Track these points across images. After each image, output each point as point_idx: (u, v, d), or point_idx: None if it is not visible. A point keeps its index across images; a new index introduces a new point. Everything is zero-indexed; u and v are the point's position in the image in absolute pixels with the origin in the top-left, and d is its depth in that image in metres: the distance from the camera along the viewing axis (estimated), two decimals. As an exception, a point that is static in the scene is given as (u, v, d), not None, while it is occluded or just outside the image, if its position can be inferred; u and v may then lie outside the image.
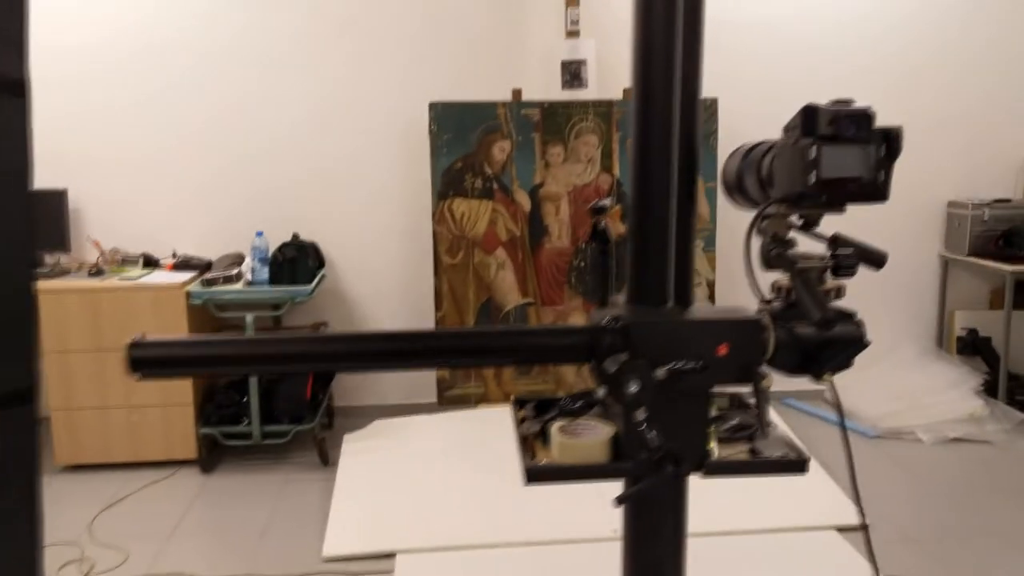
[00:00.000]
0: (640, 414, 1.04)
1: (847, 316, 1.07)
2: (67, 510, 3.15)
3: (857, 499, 1.23)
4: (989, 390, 4.04)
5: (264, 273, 3.55)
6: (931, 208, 4.29)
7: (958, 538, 2.89)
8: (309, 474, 3.45)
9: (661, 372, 1.03)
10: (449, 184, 3.61)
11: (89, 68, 3.81)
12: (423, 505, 3.04)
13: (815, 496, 3.13)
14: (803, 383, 4.33)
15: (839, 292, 1.09)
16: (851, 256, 1.07)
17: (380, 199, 3.98)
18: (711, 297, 3.84)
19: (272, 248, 3.63)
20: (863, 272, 4.27)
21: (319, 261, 3.90)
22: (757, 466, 1.15)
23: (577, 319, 3.74)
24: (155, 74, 3.84)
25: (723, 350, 1.06)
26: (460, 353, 1.01)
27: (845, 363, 1.06)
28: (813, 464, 3.36)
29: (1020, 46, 4.18)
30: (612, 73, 3.91)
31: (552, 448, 1.19)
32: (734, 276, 4.17)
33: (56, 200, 3.69)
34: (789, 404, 4.28)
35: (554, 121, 3.61)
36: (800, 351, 1.07)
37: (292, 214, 3.96)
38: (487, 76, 3.90)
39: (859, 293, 4.22)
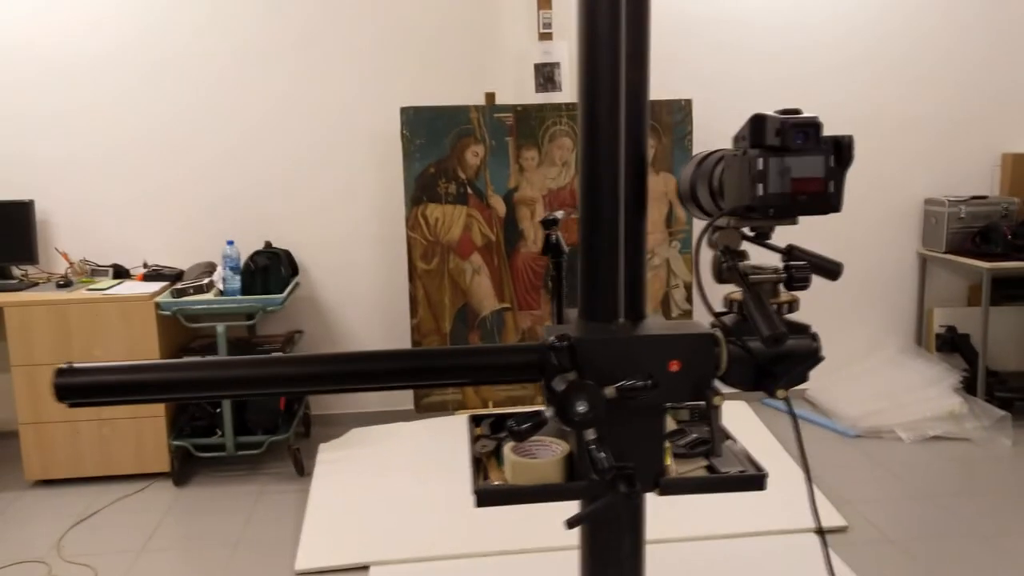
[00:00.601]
0: (590, 434, 1.01)
1: (802, 329, 1.04)
2: (36, 526, 3.09)
3: (813, 504, 1.20)
4: (968, 387, 4.04)
5: (236, 282, 3.49)
6: (908, 206, 4.29)
7: (937, 538, 2.88)
8: (284, 485, 3.41)
9: (610, 390, 1.00)
10: (422, 189, 3.57)
11: (51, 75, 3.75)
12: (398, 516, 3.00)
13: (794, 499, 3.11)
14: (783, 383, 4.35)
15: (791, 305, 1.06)
16: (805, 268, 1.05)
17: (353, 206, 3.93)
18: (688, 299, 3.82)
19: (244, 256, 3.58)
20: (845, 271, 4.29)
21: (293, 269, 3.85)
22: (714, 483, 1.12)
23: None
24: (123, 80, 3.78)
25: (675, 366, 1.04)
26: (405, 375, 0.97)
27: (800, 378, 1.03)
28: (791, 467, 3.35)
29: (995, 41, 4.18)
30: (586, 75, 3.89)
31: (505, 468, 1.16)
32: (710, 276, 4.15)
33: (22, 211, 3.63)
34: (768, 404, 4.26)
35: (528, 125, 3.58)
36: (754, 366, 1.05)
37: (265, 222, 3.91)
38: (459, 80, 3.86)
39: (838, 292, 4.26)
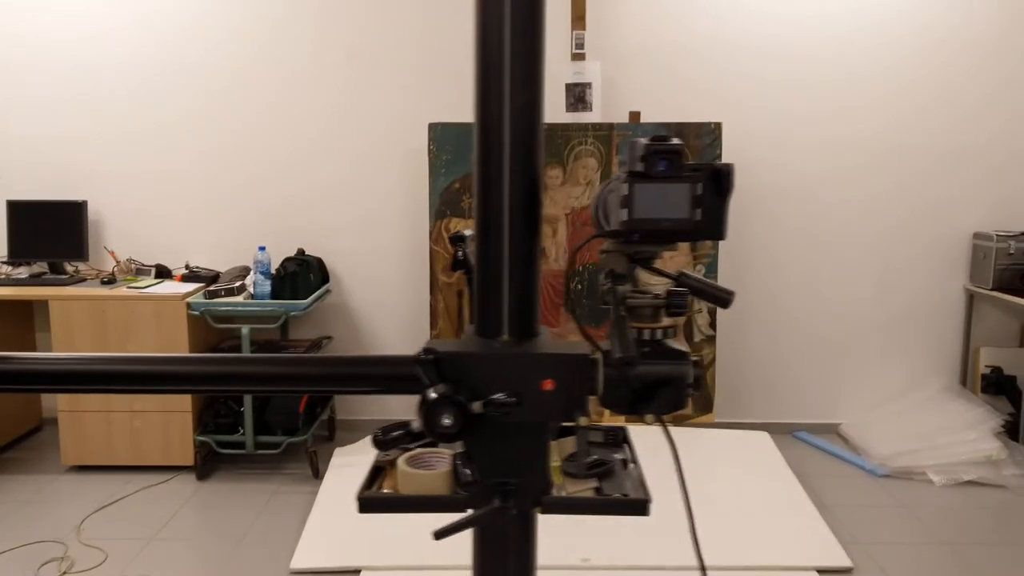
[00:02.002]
0: (457, 447, 1.03)
1: (679, 355, 1.04)
2: (64, 508, 3.27)
3: (695, 541, 1.18)
4: (1010, 432, 3.84)
5: (267, 286, 3.63)
6: (956, 239, 4.12)
7: (947, 588, 2.75)
8: (299, 486, 3.51)
9: (477, 405, 1.02)
10: (447, 204, 3.64)
11: (111, 89, 3.99)
12: (395, 522, 3.05)
13: (802, 536, 3.02)
14: (818, 416, 4.23)
15: (666, 332, 1.06)
16: (682, 295, 1.05)
17: (382, 217, 4.03)
18: (712, 325, 3.75)
19: (278, 262, 3.72)
20: (888, 304, 4.26)
21: (324, 276, 3.97)
22: (595, 505, 1.12)
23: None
24: (173, 96, 3.99)
25: (548, 385, 1.05)
26: (275, 380, 1.02)
27: (671, 404, 1.02)
28: (803, 503, 3.25)
29: (1055, 72, 4.00)
30: (617, 96, 3.90)
31: (396, 477, 1.19)
32: (737, 302, 4.08)
33: (75, 211, 3.87)
34: (799, 438, 4.15)
35: (553, 143, 3.61)
36: (632, 390, 1.05)
37: (301, 230, 4.05)
38: (493, 97, 3.92)
39: (881, 326, 4.13)
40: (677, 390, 1.03)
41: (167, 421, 3.57)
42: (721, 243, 3.84)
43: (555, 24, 3.90)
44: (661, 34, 3.93)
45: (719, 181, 1.02)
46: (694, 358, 1.09)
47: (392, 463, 1.25)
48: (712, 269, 3.72)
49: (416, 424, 1.04)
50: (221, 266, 4.05)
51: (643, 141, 0.98)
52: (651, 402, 1.04)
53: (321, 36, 3.95)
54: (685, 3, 3.92)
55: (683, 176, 0.97)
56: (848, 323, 4.18)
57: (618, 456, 1.27)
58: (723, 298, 1.11)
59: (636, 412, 1.06)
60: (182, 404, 3.56)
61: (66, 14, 3.95)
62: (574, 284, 3.69)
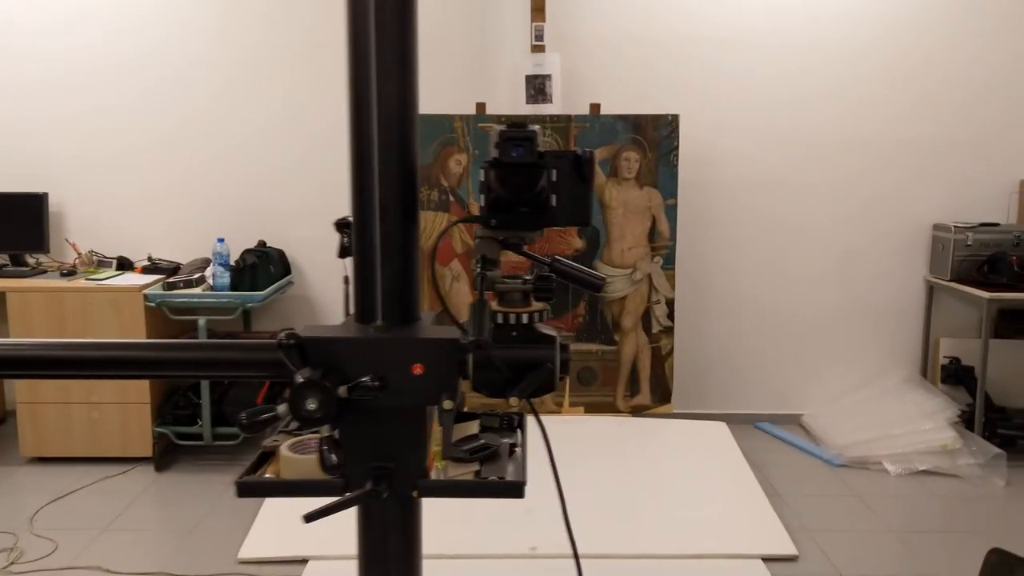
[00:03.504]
0: (324, 431, 1.04)
1: (545, 339, 1.06)
2: (20, 499, 3.28)
3: (568, 530, 1.20)
4: (967, 422, 3.87)
5: (226, 278, 3.63)
6: (916, 231, 4.15)
7: None
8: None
9: (343, 390, 1.03)
10: (405, 195, 3.64)
11: (69, 76, 3.98)
12: (346, 513, 3.05)
13: (749, 525, 3.05)
14: (780, 407, 4.25)
15: (541, 315, 1.07)
16: (548, 280, 1.06)
17: (342, 209, 4.03)
18: (670, 316, 3.78)
19: (239, 254, 3.73)
20: (851, 295, 4.28)
21: (285, 268, 3.98)
22: (471, 488, 1.14)
23: (532, 333, 3.73)
24: (137, 85, 3.99)
25: (418, 369, 1.06)
26: (137, 365, 1.03)
27: (536, 388, 1.04)
28: (754, 493, 3.28)
29: (1018, 64, 4.01)
30: (578, 88, 3.91)
31: (279, 462, 1.20)
32: (696, 293, 4.10)
33: (36, 203, 3.86)
34: (761, 428, 4.17)
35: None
36: (499, 374, 1.06)
37: (263, 222, 4.05)
38: (453, 89, 3.93)
39: (842, 318, 4.16)
40: (539, 375, 1.05)
41: (125, 413, 3.57)
42: (681, 235, 3.85)
43: (515, 16, 3.91)
44: (621, 26, 3.94)
45: (580, 167, 1.03)
46: (562, 342, 1.10)
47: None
48: (670, 261, 3.74)
49: (283, 408, 1.05)
50: (184, 258, 4.04)
51: (499, 128, 0.99)
52: (516, 385, 1.05)
53: (276, 21, 3.95)
54: (645, -5, 3.93)
55: (537, 162, 0.98)
56: (810, 314, 4.20)
57: (508, 441, 1.28)
58: (594, 283, 1.13)
59: (504, 395, 1.08)
60: (140, 395, 3.56)
61: (18, 3, 3.94)
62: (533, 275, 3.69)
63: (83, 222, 4.08)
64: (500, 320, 1.07)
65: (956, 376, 4.09)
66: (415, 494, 1.14)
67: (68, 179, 4.04)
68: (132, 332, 3.49)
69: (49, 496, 3.31)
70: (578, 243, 3.72)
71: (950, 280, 3.95)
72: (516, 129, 0.97)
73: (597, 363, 3.76)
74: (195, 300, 3.46)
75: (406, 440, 1.12)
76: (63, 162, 4.03)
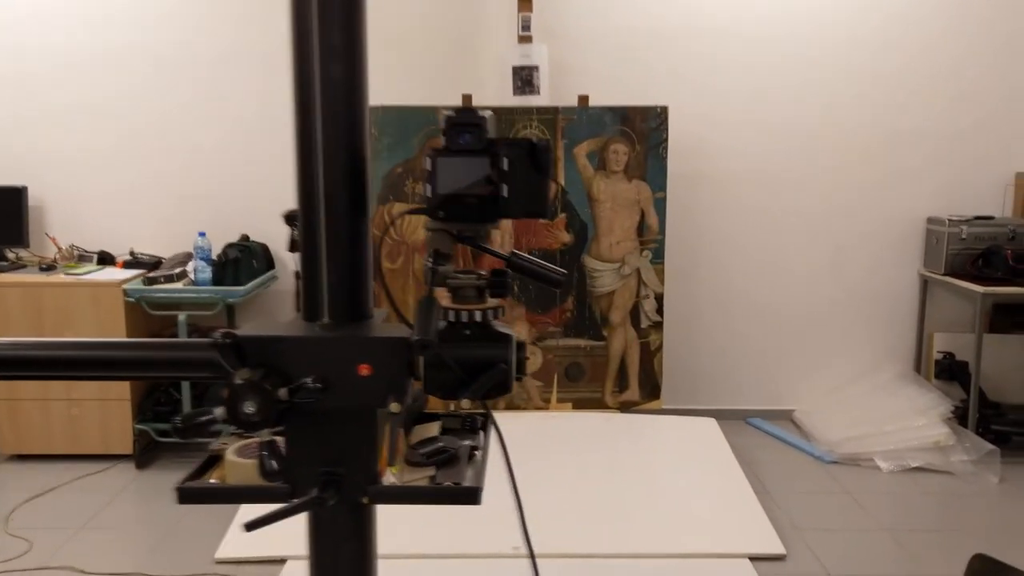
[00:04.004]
0: (264, 435, 0.99)
1: (501, 338, 1.00)
2: (-3, 498, 3.23)
3: (524, 531, 1.14)
4: (961, 418, 3.82)
5: (207, 273, 3.57)
6: (910, 224, 4.08)
7: None
8: (239, 474, 3.46)
9: (283, 392, 0.97)
10: (389, 189, 3.59)
11: (49, 69, 3.91)
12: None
13: (737, 523, 3.00)
14: (772, 402, 4.20)
15: (496, 312, 1.01)
16: (503, 275, 1.00)
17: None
18: (659, 311, 3.72)
19: (221, 249, 3.67)
20: (844, 289, 4.21)
21: (269, 262, 3.92)
22: (423, 494, 1.08)
23: (519, 328, 3.68)
24: (119, 77, 3.92)
25: (364, 370, 1.00)
26: (65, 366, 0.97)
27: (489, 389, 0.98)
28: (743, 490, 3.23)
29: (1013, 55, 3.95)
30: (566, 79, 3.84)
31: (224, 467, 1.14)
32: (685, 288, 4.04)
33: (14, 197, 3.80)
34: (752, 424, 4.12)
35: (497, 128, 3.55)
36: (452, 374, 1.01)
37: (246, 215, 3.99)
38: (439, 81, 3.86)
39: (835, 311, 4.10)
40: (491, 375, 0.99)
41: (105, 410, 3.52)
42: (670, 228, 3.79)
43: (501, 6, 3.84)
44: (609, 16, 3.87)
45: (536, 157, 0.97)
46: (519, 341, 1.04)
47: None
48: (659, 255, 3.68)
49: (220, 411, 1.00)
50: (167, 253, 3.98)
51: (446, 113, 0.93)
52: (467, 387, 0.99)
53: (258, 15, 3.88)
54: (635, -16, 3.86)
55: (488, 150, 0.92)
56: (803, 308, 4.14)
57: (468, 443, 1.23)
58: (554, 279, 1.07)
59: (456, 397, 1.02)
60: (121, 392, 3.51)
61: (3, -5, 3.87)
62: (519, 270, 3.63)
63: (64, 217, 4.01)
64: (452, 318, 1.01)
65: (950, 371, 4.04)
66: (365, 500, 1.09)
67: (49, 173, 3.97)
68: (111, 328, 3.43)
69: (27, 494, 3.25)
70: (566, 237, 3.66)
71: (944, 274, 3.89)
72: (464, 114, 0.91)
73: (585, 358, 3.71)
74: (175, 295, 3.40)
75: (356, 444, 1.07)
76: (44, 156, 3.96)
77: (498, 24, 3.85)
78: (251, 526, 1.04)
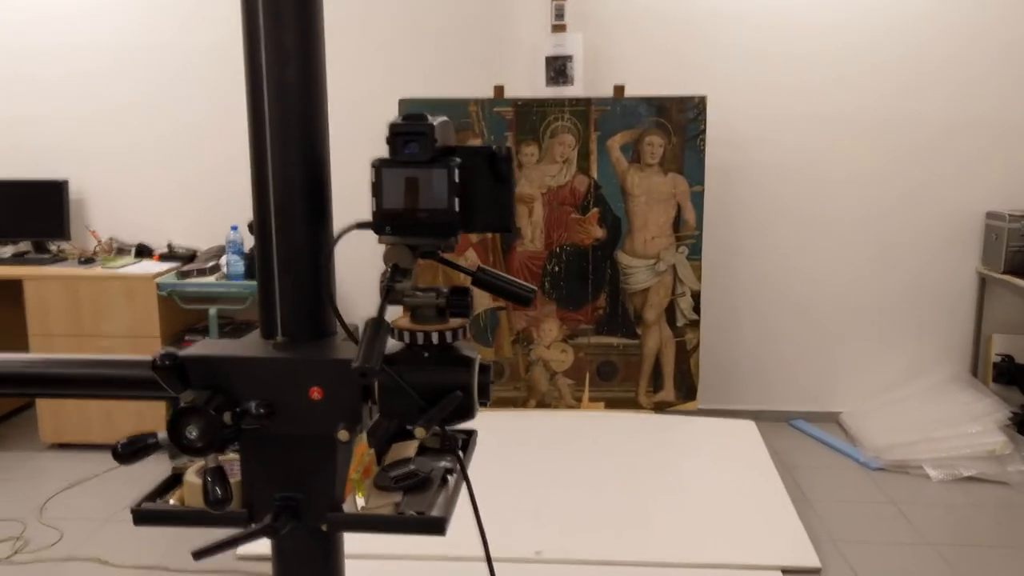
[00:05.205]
0: (210, 462, 0.93)
1: (463, 362, 0.93)
2: (35, 486, 3.29)
3: (486, 549, 1.07)
4: (1019, 425, 3.60)
5: (240, 266, 3.58)
6: (967, 218, 3.86)
7: (920, 593, 2.58)
8: (268, 468, 3.47)
9: (227, 417, 0.92)
10: (418, 182, 3.53)
11: (91, 67, 3.96)
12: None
13: (771, 532, 2.87)
14: (817, 404, 4.03)
15: (457, 333, 0.94)
16: (463, 294, 0.93)
17: (362, 198, 3.94)
18: (696, 309, 3.59)
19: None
20: (893, 287, 4.01)
21: (301, 256, 3.91)
22: (386, 523, 1.02)
23: (550, 325, 3.60)
24: (157, 73, 3.95)
25: (316, 394, 0.94)
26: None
27: (446, 416, 0.91)
28: (779, 497, 3.10)
29: (1080, 38, 3.69)
30: (601, 69, 3.72)
31: (184, 488, 1.10)
32: (723, 285, 3.90)
33: (56, 190, 3.86)
34: (796, 427, 3.96)
35: (528, 120, 3.47)
36: (411, 398, 0.94)
37: (280, 208, 3.99)
38: (471, 73, 3.79)
39: (887, 311, 3.91)
40: (448, 402, 0.92)
41: (140, 400, 3.56)
42: (708, 223, 3.66)
43: (535, -6, 3.74)
44: (647, 3, 3.73)
45: (495, 166, 0.89)
46: (483, 364, 0.97)
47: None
48: (696, 251, 3.55)
49: (163, 436, 0.95)
50: (205, 246, 4.01)
51: (390, 121, 0.86)
52: (424, 414, 0.92)
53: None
54: (675, -31, 3.72)
55: (437, 160, 0.85)
56: (847, 306, 3.96)
57: (444, 465, 1.16)
58: (522, 296, 0.99)
59: (413, 423, 0.95)
60: (155, 384, 3.54)
61: (46, -8, 3.93)
62: (551, 265, 3.55)
63: (105, 210, 4.07)
64: (408, 340, 0.94)
65: (1009, 375, 3.81)
66: (324, 528, 1.03)
67: (90, 167, 4.04)
68: (145, 321, 3.47)
69: (64, 483, 3.32)
70: (599, 232, 3.55)
71: (1004, 272, 3.67)
72: (408, 122, 0.84)
73: (618, 357, 3.61)
74: (206, 289, 3.42)
75: (314, 469, 1.01)
76: (85, 150, 4.03)
77: (531, 13, 3.75)
78: (199, 554, 0.99)
